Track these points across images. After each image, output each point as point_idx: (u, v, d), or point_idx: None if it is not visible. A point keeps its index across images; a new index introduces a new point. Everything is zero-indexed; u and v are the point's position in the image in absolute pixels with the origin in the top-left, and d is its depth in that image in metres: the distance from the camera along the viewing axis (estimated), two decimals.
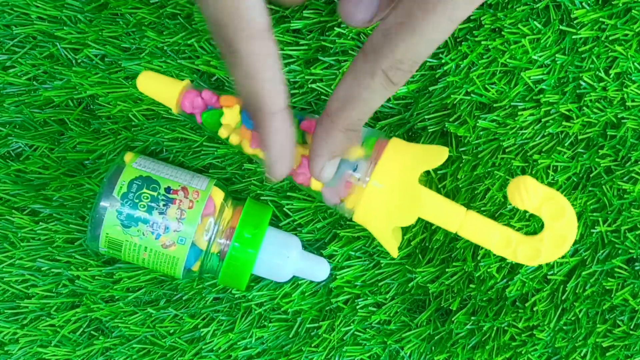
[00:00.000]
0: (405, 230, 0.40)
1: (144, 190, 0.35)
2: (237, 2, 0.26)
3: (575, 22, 0.38)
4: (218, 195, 0.37)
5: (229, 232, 0.37)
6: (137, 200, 0.35)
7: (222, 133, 0.37)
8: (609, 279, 0.39)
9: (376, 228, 0.36)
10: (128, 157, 0.37)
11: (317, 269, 0.39)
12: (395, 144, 0.36)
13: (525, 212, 0.39)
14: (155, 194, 0.36)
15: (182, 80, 0.38)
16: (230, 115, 0.36)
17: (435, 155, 0.35)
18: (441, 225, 0.36)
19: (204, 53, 0.39)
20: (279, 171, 0.31)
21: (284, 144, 0.30)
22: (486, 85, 0.39)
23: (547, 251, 0.35)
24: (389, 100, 0.39)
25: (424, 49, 0.28)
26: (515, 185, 0.34)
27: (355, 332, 0.40)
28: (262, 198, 0.40)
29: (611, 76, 0.38)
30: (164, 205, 0.35)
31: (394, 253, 0.37)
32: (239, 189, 0.40)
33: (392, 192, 0.35)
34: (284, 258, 0.38)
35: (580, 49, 0.38)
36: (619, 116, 0.39)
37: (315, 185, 0.36)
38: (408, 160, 0.35)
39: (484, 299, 0.40)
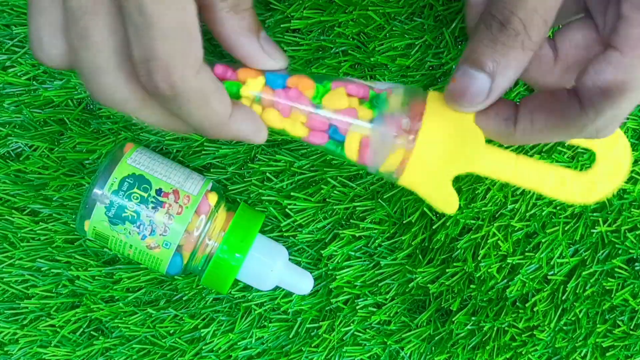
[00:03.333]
0: (406, 231, 0.40)
1: (135, 190, 0.35)
2: (184, 35, 0.25)
3: None
4: (212, 198, 0.37)
5: (218, 235, 0.37)
6: (126, 200, 0.35)
7: None
8: (609, 279, 0.39)
9: (429, 187, 0.33)
10: (128, 147, 0.37)
11: (300, 282, 0.38)
12: (434, 96, 0.32)
13: (526, 212, 0.39)
14: (145, 194, 0.36)
15: None
16: (253, 85, 0.31)
17: None
18: (493, 177, 0.33)
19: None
20: (262, 138, 0.31)
21: (257, 123, 0.30)
22: None
23: (603, 183, 0.33)
24: None
25: None
26: None
27: (355, 333, 0.40)
28: (263, 198, 0.40)
29: None
30: (152, 207, 0.35)
31: (452, 209, 0.34)
32: (240, 189, 0.40)
33: (446, 143, 0.32)
34: (268, 267, 0.37)
35: None
36: None
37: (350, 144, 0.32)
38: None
39: (485, 299, 0.40)
